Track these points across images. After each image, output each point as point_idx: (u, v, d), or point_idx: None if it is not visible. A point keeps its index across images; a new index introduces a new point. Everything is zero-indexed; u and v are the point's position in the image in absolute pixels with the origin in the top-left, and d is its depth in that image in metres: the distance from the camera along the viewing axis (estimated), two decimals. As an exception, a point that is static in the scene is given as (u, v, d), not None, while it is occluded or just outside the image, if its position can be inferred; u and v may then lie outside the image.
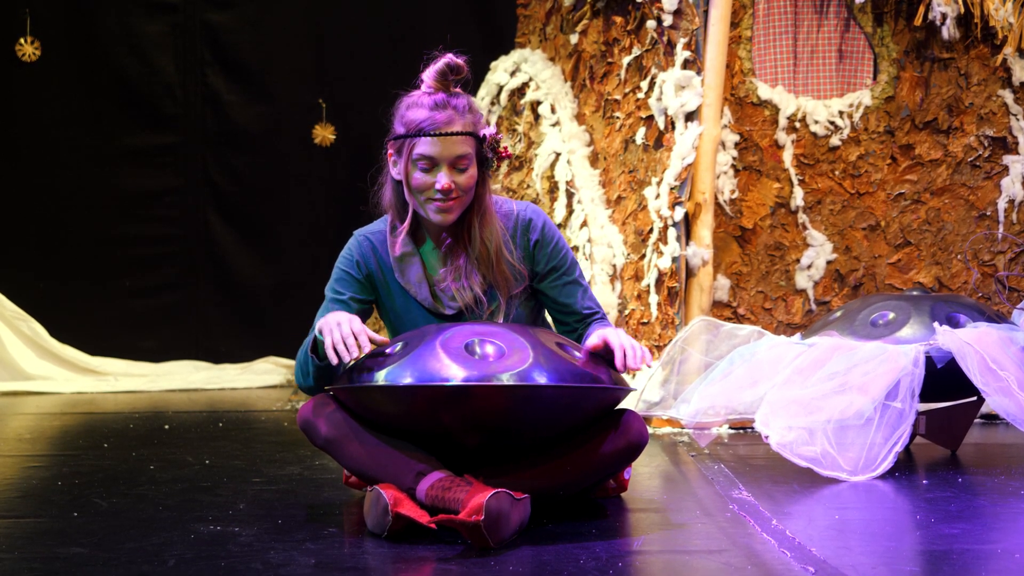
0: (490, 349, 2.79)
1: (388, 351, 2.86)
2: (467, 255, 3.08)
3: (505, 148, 3.08)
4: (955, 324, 3.80)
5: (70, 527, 2.81)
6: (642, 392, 4.05)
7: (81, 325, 6.58)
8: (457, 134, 2.97)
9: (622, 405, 2.99)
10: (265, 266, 6.90)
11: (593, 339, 2.95)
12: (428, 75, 3.04)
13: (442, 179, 2.98)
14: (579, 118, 5.37)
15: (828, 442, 3.47)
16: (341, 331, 2.82)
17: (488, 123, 3.14)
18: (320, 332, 2.89)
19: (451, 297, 3.08)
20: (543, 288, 3.15)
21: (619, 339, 2.91)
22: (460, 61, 3.03)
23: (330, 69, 6.91)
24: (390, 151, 3.06)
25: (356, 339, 2.80)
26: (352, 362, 2.88)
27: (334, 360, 2.81)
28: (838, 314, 4.05)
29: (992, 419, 4.66)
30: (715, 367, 3.79)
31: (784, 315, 4.93)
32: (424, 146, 2.97)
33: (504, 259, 3.08)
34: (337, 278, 3.13)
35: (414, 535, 2.67)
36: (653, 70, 4.92)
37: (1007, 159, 4.92)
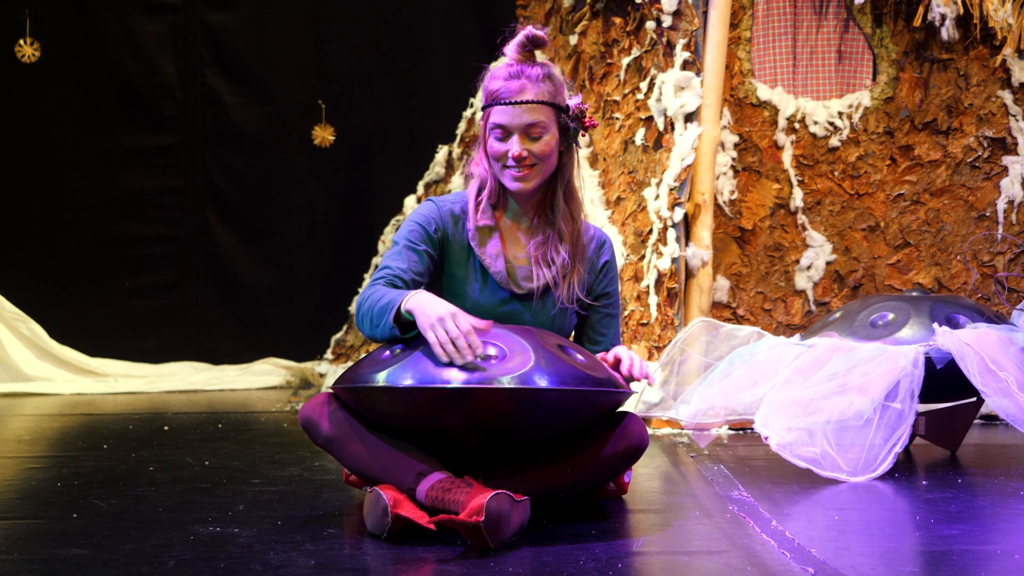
0: (491, 351, 2.78)
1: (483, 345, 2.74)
2: (552, 231, 3.07)
3: (590, 118, 3.09)
4: (955, 325, 3.80)
5: (69, 528, 2.81)
6: (642, 393, 4.05)
7: (80, 326, 6.58)
8: (527, 103, 2.98)
9: (622, 407, 2.99)
10: (265, 267, 6.90)
11: (606, 354, 3.07)
12: (509, 47, 3.08)
13: (514, 146, 2.99)
14: (578, 119, 5.37)
15: (828, 443, 3.47)
16: (447, 329, 2.72)
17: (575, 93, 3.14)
18: (411, 311, 2.79)
19: (524, 277, 3.07)
20: (589, 311, 3.17)
21: (628, 352, 3.03)
22: (540, 33, 3.06)
23: (330, 70, 6.91)
24: (481, 122, 3.08)
25: (467, 340, 2.71)
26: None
27: (444, 359, 2.71)
28: (837, 315, 4.05)
29: (991, 420, 4.66)
30: (714, 368, 3.79)
31: (784, 316, 4.93)
32: (497, 115, 3.00)
33: (581, 243, 3.10)
34: (411, 230, 3.04)
35: (414, 536, 2.67)
36: (652, 71, 4.92)
37: (1006, 160, 4.92)
